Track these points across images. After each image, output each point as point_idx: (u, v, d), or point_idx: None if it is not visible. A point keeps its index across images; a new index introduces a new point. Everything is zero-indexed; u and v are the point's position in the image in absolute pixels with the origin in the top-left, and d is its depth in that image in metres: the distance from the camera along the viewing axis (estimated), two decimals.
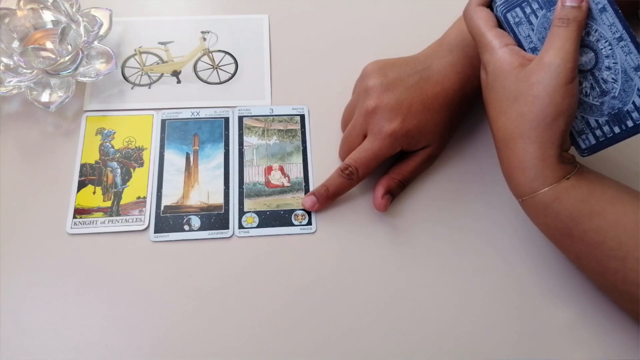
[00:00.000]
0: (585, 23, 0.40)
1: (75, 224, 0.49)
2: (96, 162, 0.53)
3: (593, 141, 0.43)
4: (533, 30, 0.42)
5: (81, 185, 0.51)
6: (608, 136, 0.42)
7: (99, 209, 0.50)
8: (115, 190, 0.51)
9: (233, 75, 0.58)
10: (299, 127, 0.55)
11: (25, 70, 0.52)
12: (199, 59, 0.59)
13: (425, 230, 0.50)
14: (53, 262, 0.48)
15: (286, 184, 0.52)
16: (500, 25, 0.43)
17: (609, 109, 0.42)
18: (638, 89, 0.40)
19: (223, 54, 0.60)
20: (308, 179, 0.52)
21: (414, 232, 0.50)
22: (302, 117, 0.56)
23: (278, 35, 0.61)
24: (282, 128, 0.55)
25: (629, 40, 0.40)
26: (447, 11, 0.64)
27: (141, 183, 0.52)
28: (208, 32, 0.61)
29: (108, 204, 0.50)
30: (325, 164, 0.53)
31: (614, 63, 0.40)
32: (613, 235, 0.40)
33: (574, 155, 0.44)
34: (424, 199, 0.52)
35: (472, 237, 0.50)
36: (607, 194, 0.41)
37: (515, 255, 0.49)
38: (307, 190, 0.52)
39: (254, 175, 0.53)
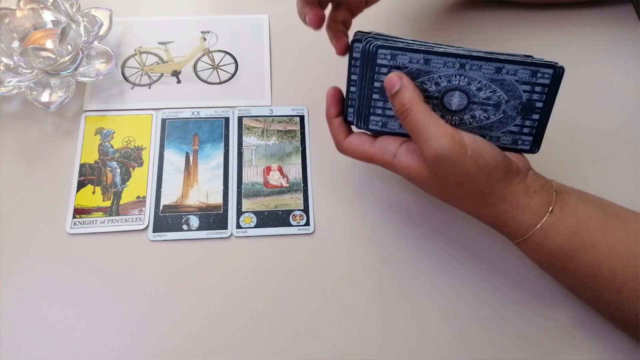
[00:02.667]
0: (424, 80, 0.41)
1: (74, 223, 0.49)
2: (95, 162, 0.53)
3: (530, 138, 0.43)
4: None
5: (81, 185, 0.51)
6: (535, 125, 0.43)
7: (98, 209, 0.50)
8: (115, 190, 0.51)
9: (233, 75, 0.58)
10: (299, 128, 0.55)
11: (25, 70, 0.52)
12: (199, 59, 0.59)
13: (424, 230, 0.50)
14: (53, 262, 0.48)
15: (285, 184, 0.52)
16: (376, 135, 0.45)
17: (513, 110, 0.42)
18: (516, 81, 0.41)
19: (223, 54, 0.60)
20: (307, 180, 0.52)
21: (413, 232, 0.50)
22: (302, 118, 0.56)
23: (278, 35, 0.61)
24: (281, 129, 0.55)
25: (470, 60, 0.40)
26: (448, 12, 0.64)
27: (140, 183, 0.52)
28: (208, 32, 0.61)
29: (107, 203, 0.51)
30: (324, 165, 0.53)
31: (479, 83, 0.41)
32: (607, 267, 0.40)
33: (552, 178, 0.43)
34: (423, 198, 0.52)
35: (472, 236, 0.50)
36: (595, 221, 0.41)
37: (515, 255, 0.49)
38: (305, 191, 0.52)
39: (252, 175, 0.53)
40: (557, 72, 0.40)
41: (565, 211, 0.41)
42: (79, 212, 0.50)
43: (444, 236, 0.50)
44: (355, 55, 0.43)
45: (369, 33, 0.43)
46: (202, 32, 0.61)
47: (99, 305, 0.46)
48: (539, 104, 0.42)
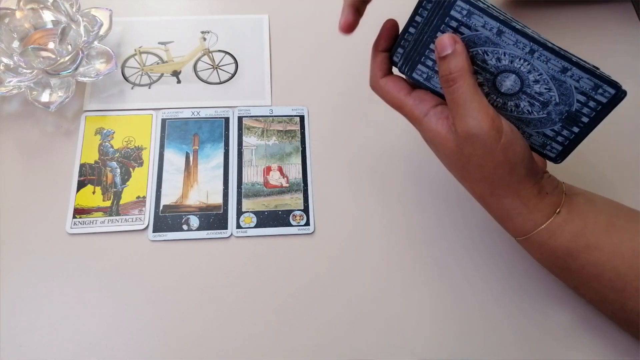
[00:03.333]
0: (487, 51, 0.39)
1: (75, 223, 0.49)
2: (95, 162, 0.53)
3: (559, 148, 0.42)
4: None
5: (81, 185, 0.51)
6: (571, 138, 0.41)
7: (98, 209, 0.50)
8: (115, 189, 0.51)
9: (233, 75, 0.58)
10: (299, 128, 0.55)
11: (25, 70, 0.52)
12: (199, 59, 0.59)
13: (424, 230, 0.50)
14: (53, 262, 0.48)
15: (285, 184, 0.52)
16: (415, 85, 0.42)
17: (558, 115, 0.40)
18: (575, 88, 0.39)
19: (223, 54, 0.60)
20: (307, 180, 0.52)
21: (413, 232, 0.50)
22: (302, 118, 0.56)
23: (278, 35, 0.61)
24: (281, 129, 0.55)
25: (542, 49, 0.38)
26: None
27: (140, 182, 0.52)
28: (208, 32, 0.61)
29: (107, 203, 0.51)
30: (324, 165, 0.53)
31: (539, 75, 0.39)
32: (611, 267, 0.40)
33: (553, 173, 0.43)
34: (423, 199, 0.52)
35: (472, 236, 0.50)
36: (601, 222, 0.40)
37: (515, 255, 0.49)
38: (305, 191, 0.52)
39: (252, 175, 0.53)
40: (618, 95, 0.39)
41: (573, 213, 0.41)
42: (79, 212, 0.50)
43: (444, 236, 0.50)
44: None
45: None
46: (202, 32, 0.61)
47: (98, 305, 0.46)
48: (585, 119, 0.40)
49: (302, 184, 0.52)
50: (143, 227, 0.50)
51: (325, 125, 0.55)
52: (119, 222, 0.50)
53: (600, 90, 0.38)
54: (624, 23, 0.63)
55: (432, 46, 0.39)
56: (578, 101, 0.39)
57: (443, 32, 0.39)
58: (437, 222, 0.51)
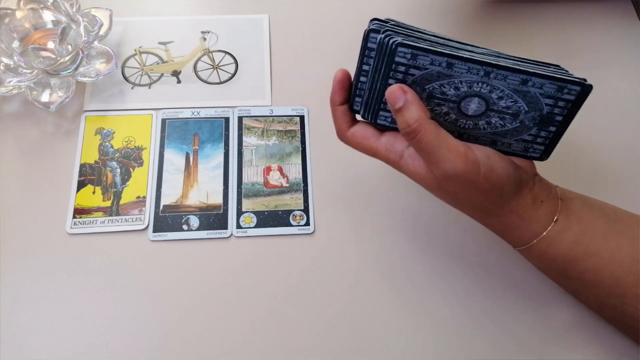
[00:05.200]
0: (443, 84, 0.38)
1: (75, 223, 0.49)
2: (95, 162, 0.53)
3: (542, 147, 0.41)
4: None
5: (81, 185, 0.51)
6: (550, 137, 0.41)
7: (98, 209, 0.50)
8: (115, 189, 0.51)
9: (233, 75, 0.58)
10: (299, 128, 0.55)
11: (25, 70, 0.52)
12: (199, 59, 0.59)
13: (424, 231, 0.50)
14: (53, 262, 0.48)
15: (285, 184, 0.52)
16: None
17: (532, 121, 0.40)
18: (541, 94, 0.39)
19: (223, 54, 0.60)
20: (307, 180, 0.52)
21: (413, 233, 0.50)
22: (302, 118, 0.56)
23: (278, 35, 0.61)
24: (281, 129, 0.55)
25: (496, 69, 0.38)
26: (450, 13, 0.64)
27: (141, 182, 0.52)
28: (208, 32, 0.61)
29: (108, 203, 0.51)
30: (324, 165, 0.53)
31: (501, 92, 0.39)
32: (610, 273, 0.39)
33: (550, 178, 0.43)
34: (424, 200, 0.52)
35: (473, 238, 0.50)
36: (599, 228, 0.40)
37: (515, 257, 0.49)
38: (305, 191, 0.52)
39: (252, 175, 0.53)
40: (584, 90, 0.39)
41: (570, 219, 0.40)
42: (79, 212, 0.50)
43: (444, 237, 0.50)
44: (370, 45, 0.39)
45: (387, 22, 0.40)
46: (202, 32, 0.61)
47: (99, 305, 0.46)
48: (559, 118, 0.40)
49: (302, 184, 0.52)
50: (143, 227, 0.50)
51: (325, 125, 0.55)
52: (119, 222, 0.50)
53: (565, 90, 0.38)
54: (623, 22, 0.63)
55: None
56: (547, 104, 0.39)
57: (394, 78, 0.39)
58: (437, 221, 0.51)
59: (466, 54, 0.38)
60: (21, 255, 0.48)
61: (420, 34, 0.39)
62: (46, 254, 0.48)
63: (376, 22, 0.40)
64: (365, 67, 0.40)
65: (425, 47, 0.37)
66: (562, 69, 0.40)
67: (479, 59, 0.38)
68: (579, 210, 0.41)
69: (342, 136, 0.43)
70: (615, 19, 0.63)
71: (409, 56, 0.38)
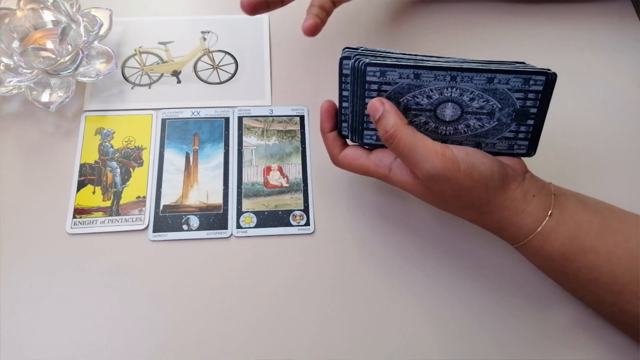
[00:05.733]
0: (416, 94, 0.41)
1: (75, 223, 0.49)
2: (96, 162, 0.53)
3: (526, 143, 0.43)
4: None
5: (81, 185, 0.51)
6: (530, 130, 0.43)
7: (98, 209, 0.50)
8: (115, 189, 0.51)
9: (233, 75, 0.58)
10: (299, 128, 0.55)
11: (25, 70, 0.52)
12: (199, 59, 0.59)
13: (424, 231, 0.50)
14: (53, 262, 0.48)
15: (285, 184, 0.52)
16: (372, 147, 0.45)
17: (508, 117, 0.42)
18: (509, 89, 0.41)
19: (223, 54, 0.60)
20: (307, 180, 0.52)
21: (413, 233, 0.50)
22: (302, 118, 0.56)
23: (278, 35, 0.61)
24: (281, 129, 0.55)
25: (461, 72, 0.40)
26: (450, 14, 0.64)
27: (141, 182, 0.52)
28: (208, 32, 0.61)
29: (108, 203, 0.51)
30: (324, 165, 0.53)
31: (471, 93, 0.41)
32: (607, 270, 0.40)
33: (548, 178, 0.43)
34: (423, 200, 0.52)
35: (471, 237, 0.50)
36: (594, 224, 0.41)
37: (513, 257, 0.49)
38: (305, 191, 0.52)
39: (252, 175, 0.53)
40: (550, 79, 0.40)
41: (565, 214, 0.41)
42: (79, 212, 0.50)
43: (443, 236, 0.50)
44: (345, 72, 0.43)
45: (357, 49, 0.43)
46: (202, 32, 0.61)
47: (98, 305, 0.46)
48: (533, 110, 0.42)
49: (302, 184, 0.52)
50: (143, 227, 0.50)
51: None
52: (119, 222, 0.50)
53: (532, 82, 0.40)
54: (623, 22, 0.63)
55: (367, 112, 0.42)
56: (518, 99, 0.41)
57: (369, 97, 0.42)
58: (437, 222, 0.51)
59: (429, 63, 0.41)
60: (21, 255, 0.48)
61: (387, 54, 0.43)
62: (46, 254, 0.48)
63: (347, 49, 0.44)
64: (345, 93, 0.44)
65: (390, 62, 0.41)
66: (527, 65, 0.42)
67: (442, 65, 0.40)
68: (574, 206, 0.41)
69: (335, 160, 0.46)
70: (615, 19, 0.63)
71: (378, 74, 0.41)
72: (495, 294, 0.48)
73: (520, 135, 0.43)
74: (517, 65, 0.41)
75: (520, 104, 0.41)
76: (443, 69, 0.40)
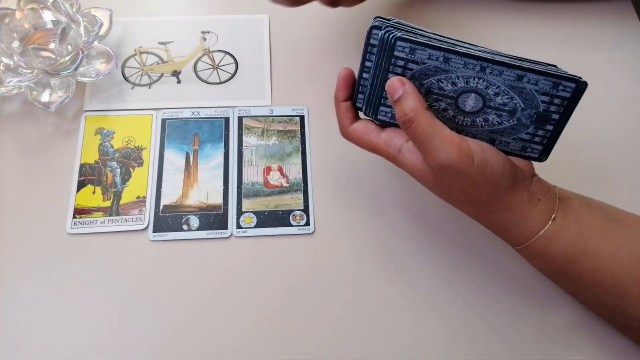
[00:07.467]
0: (441, 79, 0.40)
1: (75, 223, 0.49)
2: (96, 162, 0.53)
3: (540, 147, 0.42)
4: None
5: (81, 185, 0.51)
6: (547, 136, 0.41)
7: (98, 209, 0.50)
8: (115, 189, 0.51)
9: (233, 75, 0.58)
10: (299, 128, 0.55)
11: (25, 70, 0.52)
12: (199, 59, 0.59)
13: (425, 231, 0.50)
14: (53, 262, 0.48)
15: (285, 184, 0.52)
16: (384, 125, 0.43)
17: (528, 119, 0.41)
18: (536, 91, 0.39)
19: (223, 54, 0.60)
20: (307, 180, 0.52)
21: (413, 233, 0.50)
22: (302, 118, 0.56)
23: (278, 35, 0.61)
24: (281, 129, 0.55)
25: (492, 65, 0.39)
26: (449, 14, 0.64)
27: (141, 182, 0.52)
28: (208, 32, 0.61)
29: (108, 203, 0.51)
30: (324, 165, 0.53)
31: (497, 88, 0.40)
32: (609, 273, 0.39)
33: (547, 178, 0.43)
34: (424, 199, 0.52)
35: (473, 238, 0.50)
36: (597, 227, 0.40)
37: (515, 257, 0.49)
38: (305, 191, 0.52)
39: (252, 175, 0.53)
40: (580, 87, 0.39)
41: (568, 218, 0.40)
42: (79, 212, 0.50)
43: (444, 236, 0.50)
44: (372, 42, 0.41)
45: (389, 20, 0.41)
46: (202, 32, 0.61)
47: (98, 305, 0.46)
48: (555, 116, 0.40)
49: (302, 184, 0.52)
50: (143, 227, 0.50)
51: (325, 125, 0.55)
52: (119, 222, 0.50)
53: (560, 87, 0.39)
54: (623, 22, 0.63)
55: None
56: (543, 102, 0.40)
57: (393, 72, 0.40)
58: (437, 222, 0.51)
59: (462, 49, 0.39)
60: (21, 255, 0.48)
61: (420, 31, 0.40)
62: (46, 254, 0.48)
63: (379, 19, 0.41)
64: (367, 64, 0.42)
65: (423, 41, 0.39)
66: (559, 69, 0.40)
67: (474, 53, 0.39)
68: (578, 209, 0.41)
69: (345, 132, 0.44)
70: (615, 19, 0.63)
71: (407, 50, 0.39)
72: (496, 295, 0.48)
73: (536, 139, 0.42)
74: (550, 67, 0.40)
75: (543, 107, 0.40)
76: (474, 57, 0.39)
